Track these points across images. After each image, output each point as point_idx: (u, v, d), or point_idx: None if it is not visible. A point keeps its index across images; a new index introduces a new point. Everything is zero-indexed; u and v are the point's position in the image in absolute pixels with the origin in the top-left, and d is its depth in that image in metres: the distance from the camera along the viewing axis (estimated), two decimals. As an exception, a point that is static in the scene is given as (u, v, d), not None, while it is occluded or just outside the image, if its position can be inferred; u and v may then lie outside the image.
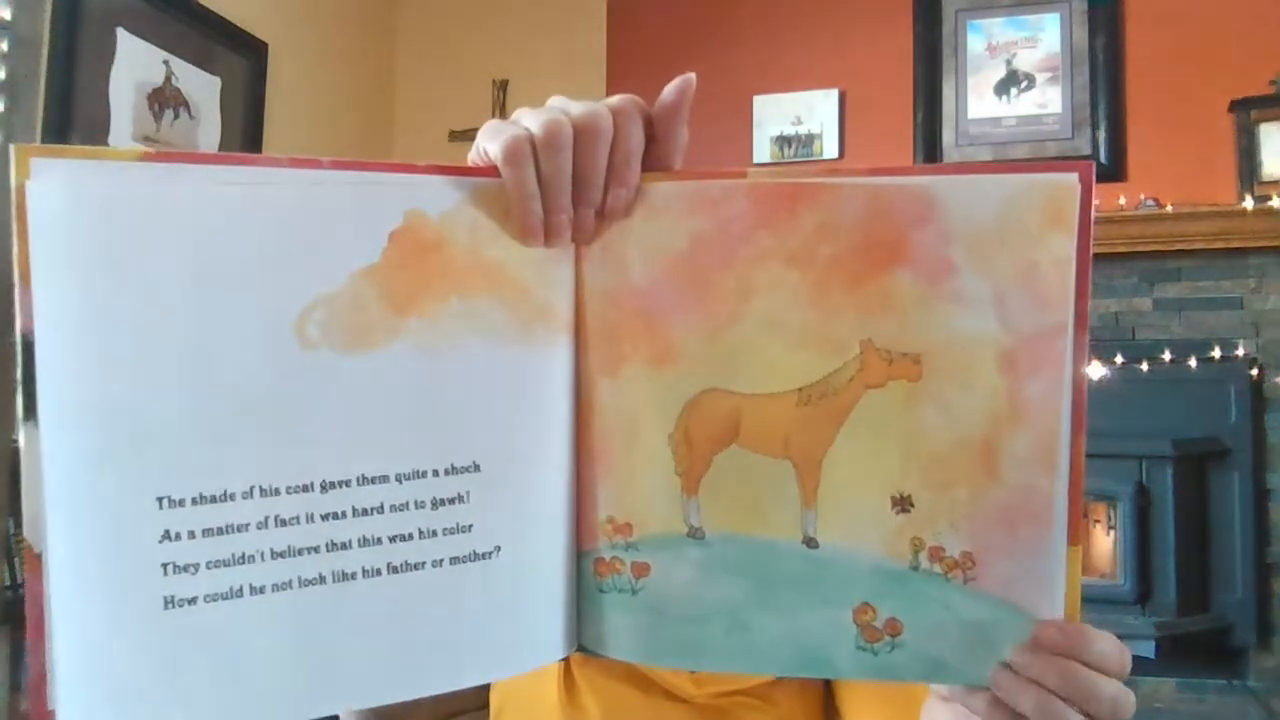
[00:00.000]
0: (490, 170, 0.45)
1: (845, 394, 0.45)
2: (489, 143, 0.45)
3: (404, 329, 0.43)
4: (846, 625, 0.46)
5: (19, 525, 1.87)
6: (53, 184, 0.38)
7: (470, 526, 0.45)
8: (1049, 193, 0.43)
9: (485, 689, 0.74)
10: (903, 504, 0.45)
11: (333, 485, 0.42)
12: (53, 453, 0.38)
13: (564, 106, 0.46)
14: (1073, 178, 0.43)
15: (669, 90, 0.47)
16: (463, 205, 0.44)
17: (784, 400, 0.46)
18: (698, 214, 0.46)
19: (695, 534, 0.47)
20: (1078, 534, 0.45)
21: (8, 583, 1.86)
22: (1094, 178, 0.44)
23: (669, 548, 0.47)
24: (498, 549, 0.46)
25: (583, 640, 0.49)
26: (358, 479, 0.43)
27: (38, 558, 0.38)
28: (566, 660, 0.71)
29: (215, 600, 0.40)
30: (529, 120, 0.45)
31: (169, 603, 0.40)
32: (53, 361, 0.38)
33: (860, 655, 0.46)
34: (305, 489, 0.42)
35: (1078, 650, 0.44)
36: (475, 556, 0.45)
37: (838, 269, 0.45)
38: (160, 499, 0.40)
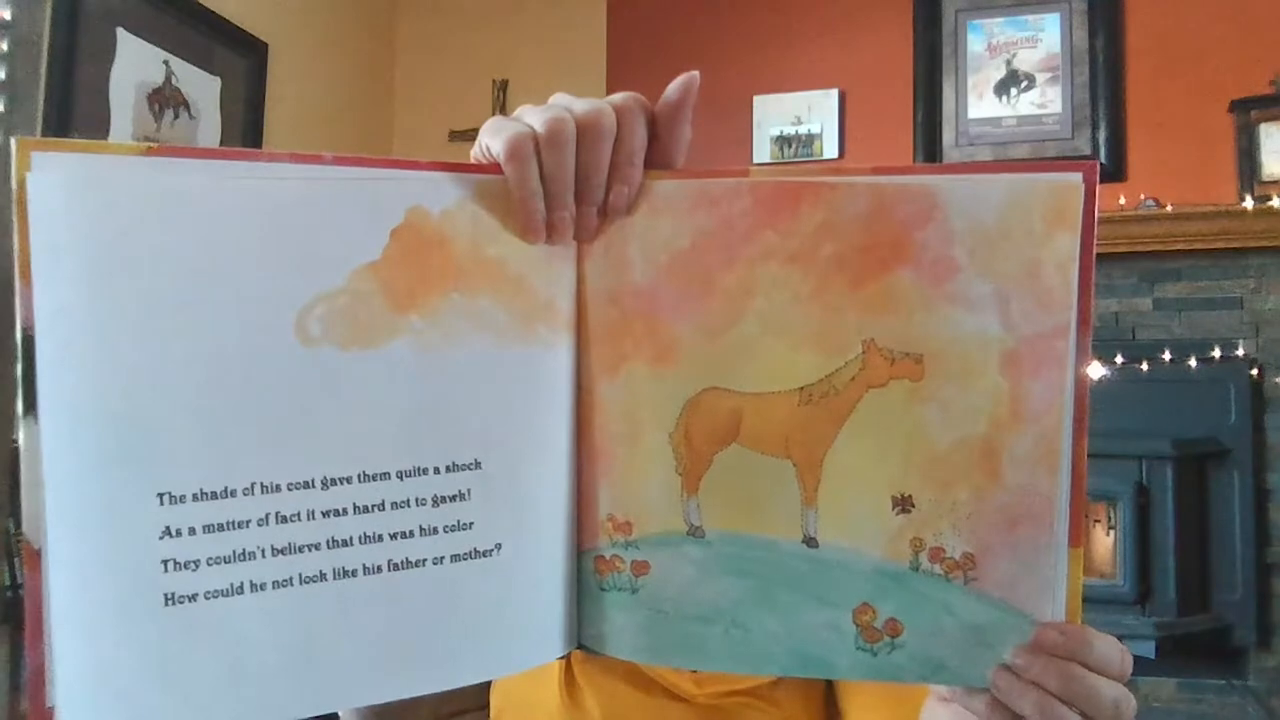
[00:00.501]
0: (493, 167, 0.45)
1: (847, 393, 0.45)
2: (491, 139, 0.45)
3: (405, 326, 0.43)
4: (846, 626, 0.46)
5: (19, 526, 1.87)
6: (54, 177, 0.37)
7: (471, 524, 0.45)
8: (1052, 193, 0.43)
9: (485, 689, 0.74)
10: (903, 504, 0.45)
11: (334, 482, 0.42)
12: (53, 448, 0.37)
13: (567, 104, 0.46)
14: (1076, 177, 0.43)
15: (672, 88, 0.47)
16: (465, 202, 0.44)
17: (785, 399, 0.46)
18: (700, 212, 0.46)
19: (695, 533, 0.47)
20: (1079, 536, 0.45)
21: (8, 583, 1.86)
22: (1098, 178, 0.43)
23: (669, 546, 0.47)
24: (498, 546, 0.46)
25: (583, 639, 0.49)
26: (359, 476, 0.43)
27: (37, 554, 0.37)
28: (567, 660, 0.71)
29: (216, 597, 0.40)
30: (532, 117, 0.45)
31: (170, 599, 0.40)
32: (53, 356, 0.37)
33: (860, 656, 0.46)
34: (306, 485, 0.42)
35: (1079, 652, 0.44)
36: (476, 554, 0.45)
37: (840, 268, 0.45)
38: (161, 495, 0.39)
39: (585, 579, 0.48)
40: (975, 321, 0.44)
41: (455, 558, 0.45)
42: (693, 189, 0.46)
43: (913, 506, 0.45)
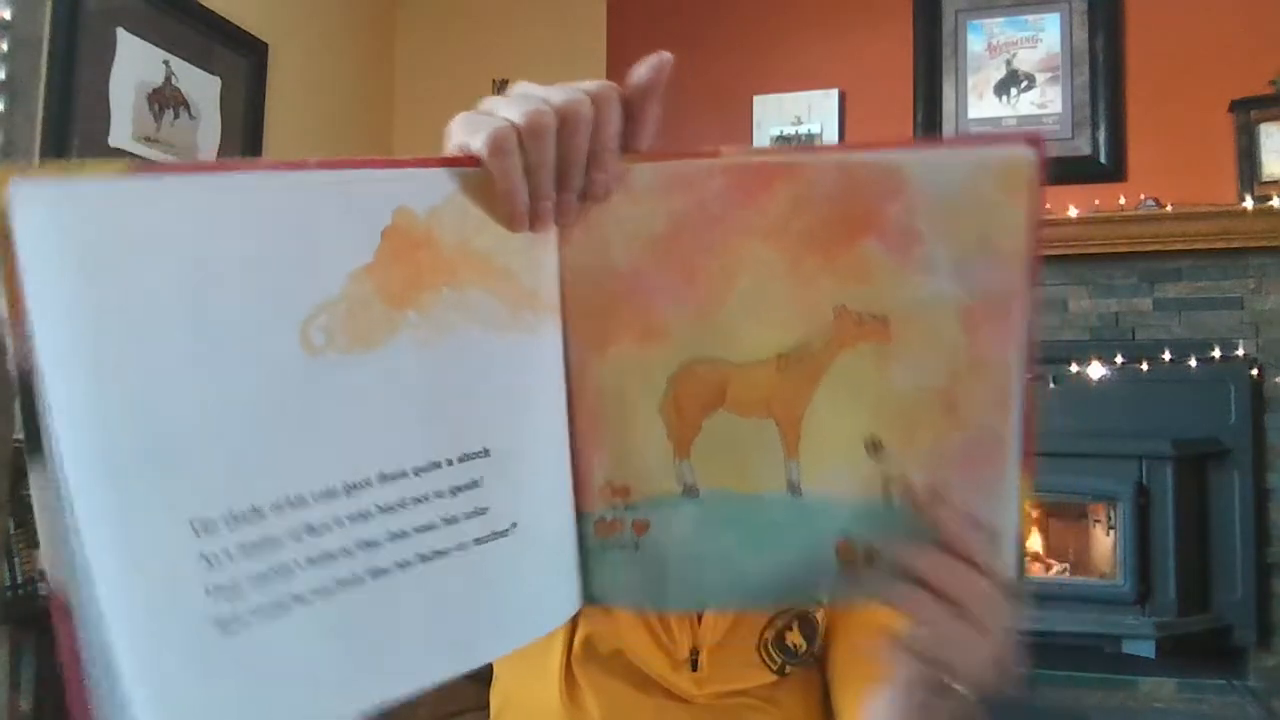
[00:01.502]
0: (470, 160, 0.45)
1: (821, 356, 0.49)
2: (470, 137, 0.45)
3: (402, 324, 0.44)
4: (829, 557, 0.50)
5: (19, 525, 1.87)
6: (37, 208, 0.35)
7: (486, 509, 0.47)
8: (1006, 164, 0.46)
9: (485, 689, 0.74)
10: (875, 449, 0.49)
11: (355, 487, 0.43)
12: (80, 490, 0.35)
13: (545, 95, 0.45)
14: (1029, 150, 0.46)
15: (643, 70, 0.46)
16: (449, 199, 0.45)
17: (765, 367, 0.49)
18: (675, 193, 0.47)
19: (690, 492, 0.50)
20: (1030, 465, 0.49)
21: (8, 583, 1.86)
22: (1045, 149, 0.46)
23: (666, 506, 0.51)
24: (514, 525, 0.48)
25: (590, 594, 0.52)
26: (377, 477, 0.43)
27: (67, 607, 0.35)
28: (567, 660, 0.72)
29: (264, 616, 0.40)
30: (507, 110, 0.45)
31: (222, 626, 0.39)
32: (64, 400, 0.35)
33: (843, 580, 0.50)
34: (329, 494, 0.42)
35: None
36: (495, 535, 0.47)
37: (811, 241, 0.47)
38: (193, 523, 0.38)
39: (586, 540, 0.51)
40: (937, 285, 0.47)
41: (478, 541, 0.47)
42: (667, 171, 0.47)
43: (883, 450, 0.49)
